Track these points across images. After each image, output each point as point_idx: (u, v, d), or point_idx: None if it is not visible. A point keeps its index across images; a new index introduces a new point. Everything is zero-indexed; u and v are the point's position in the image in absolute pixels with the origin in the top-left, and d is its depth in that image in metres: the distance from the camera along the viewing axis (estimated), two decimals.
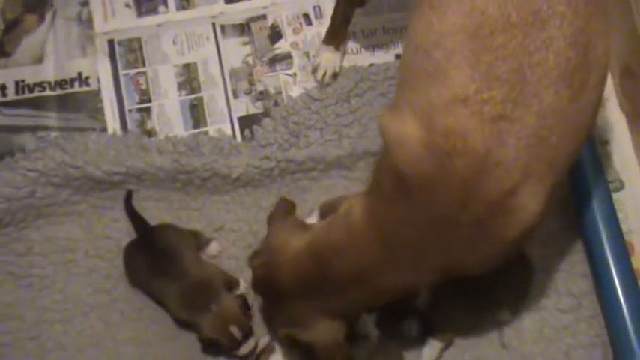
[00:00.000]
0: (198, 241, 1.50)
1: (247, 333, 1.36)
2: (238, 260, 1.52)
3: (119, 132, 1.64)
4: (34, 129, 1.62)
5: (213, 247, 1.52)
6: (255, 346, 1.38)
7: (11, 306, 1.48)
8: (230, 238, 1.56)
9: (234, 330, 1.34)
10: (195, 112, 1.68)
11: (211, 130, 1.67)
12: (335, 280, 1.15)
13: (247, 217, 1.57)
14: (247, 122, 1.67)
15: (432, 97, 0.99)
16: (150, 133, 1.65)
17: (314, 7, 1.77)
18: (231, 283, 1.44)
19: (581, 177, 1.48)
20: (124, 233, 1.54)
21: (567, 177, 1.47)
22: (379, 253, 1.09)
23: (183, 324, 1.45)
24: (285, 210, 1.34)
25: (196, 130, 1.66)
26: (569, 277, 1.50)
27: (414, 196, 1.02)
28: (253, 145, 1.62)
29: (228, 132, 1.66)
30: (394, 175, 1.04)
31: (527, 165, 0.98)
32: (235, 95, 1.70)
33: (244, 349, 1.37)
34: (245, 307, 1.40)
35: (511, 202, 0.99)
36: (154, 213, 1.55)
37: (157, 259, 1.41)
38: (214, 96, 1.70)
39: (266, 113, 1.68)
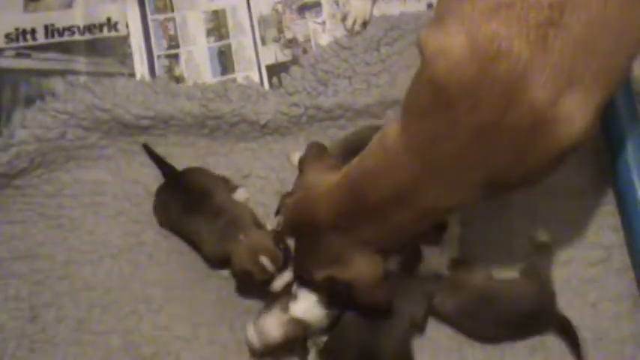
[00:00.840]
0: (226, 187, 1.51)
1: (280, 266, 1.35)
2: (265, 207, 1.53)
3: (147, 78, 1.64)
4: (63, 73, 1.62)
5: (240, 194, 1.52)
6: (291, 283, 1.36)
7: (42, 246, 1.51)
8: (257, 186, 1.56)
9: (265, 261, 1.33)
10: (224, 59, 1.67)
11: (239, 77, 1.66)
12: (374, 208, 1.12)
13: (275, 165, 1.57)
14: (275, 70, 1.66)
15: (478, 2, 0.98)
16: (178, 79, 1.65)
17: None
18: (259, 225, 1.44)
19: (615, 125, 1.44)
20: (152, 178, 1.55)
21: (601, 126, 1.46)
22: (418, 173, 1.07)
23: (215, 263, 1.46)
24: (317, 152, 1.33)
25: (224, 77, 1.65)
26: (600, 230, 1.49)
27: (454, 106, 1.00)
28: (281, 93, 1.61)
29: (256, 79, 1.65)
30: (432, 88, 1.02)
31: (573, 72, 0.96)
32: (264, 42, 1.68)
33: (279, 283, 1.35)
34: (278, 241, 1.38)
35: (556, 111, 0.97)
36: (182, 159, 1.55)
37: (189, 197, 1.42)
38: (243, 43, 1.68)
39: (294, 61, 1.66)
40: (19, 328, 1.44)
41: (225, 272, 1.45)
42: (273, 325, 1.33)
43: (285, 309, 1.33)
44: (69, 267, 1.49)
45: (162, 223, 1.51)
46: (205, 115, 1.54)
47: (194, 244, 1.47)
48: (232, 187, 1.52)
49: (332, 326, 1.38)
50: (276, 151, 1.58)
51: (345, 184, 1.16)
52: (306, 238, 1.23)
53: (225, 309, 1.46)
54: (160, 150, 1.56)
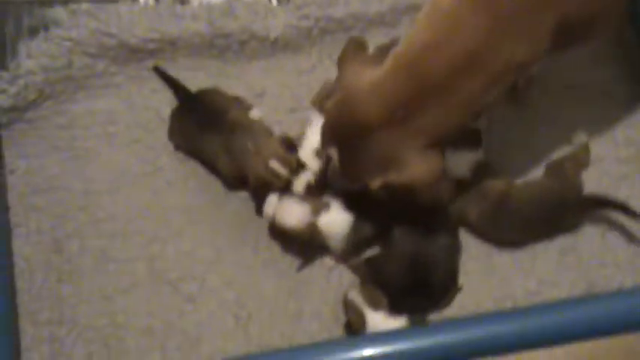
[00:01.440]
0: (241, 106, 1.47)
1: (294, 168, 1.32)
2: (281, 125, 1.49)
3: (151, 1, 1.59)
4: (65, 1, 1.57)
5: (254, 113, 1.48)
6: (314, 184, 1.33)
7: (58, 178, 1.49)
8: (272, 104, 1.52)
9: (275, 165, 1.30)
10: None
11: None
12: (439, 84, 1.03)
13: (289, 82, 1.53)
14: None
15: None
16: (182, 1, 1.59)
17: None
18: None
19: None
20: (165, 104, 1.52)
21: (629, 16, 1.38)
22: (490, 28, 0.99)
23: (233, 183, 1.44)
24: (357, 47, 1.25)
25: None
26: (629, 126, 1.43)
27: None
28: (290, 7, 1.55)
29: None
30: None
31: None
32: None
33: (298, 186, 1.33)
34: (288, 144, 1.35)
35: None
36: (194, 82, 1.51)
37: (204, 116, 1.40)
38: None
39: None
40: (45, 260, 1.44)
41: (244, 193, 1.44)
42: (293, 215, 1.32)
43: (316, 211, 1.31)
44: (88, 197, 1.48)
45: (179, 147, 1.48)
46: (213, 33, 1.49)
47: (212, 166, 1.45)
48: (247, 107, 1.48)
49: (357, 247, 1.37)
50: (289, 67, 1.54)
51: (398, 68, 1.06)
52: (353, 144, 1.12)
53: (247, 231, 1.45)
54: (170, 74, 1.52)
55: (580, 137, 1.42)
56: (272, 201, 1.35)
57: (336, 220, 1.34)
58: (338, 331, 1.37)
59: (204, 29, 1.49)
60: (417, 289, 1.31)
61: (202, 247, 1.45)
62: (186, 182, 1.49)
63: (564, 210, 1.35)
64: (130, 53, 1.50)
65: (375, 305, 1.29)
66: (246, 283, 1.43)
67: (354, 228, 1.35)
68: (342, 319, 1.37)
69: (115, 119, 1.52)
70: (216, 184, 1.47)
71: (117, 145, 1.51)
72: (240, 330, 1.40)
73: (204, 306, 1.41)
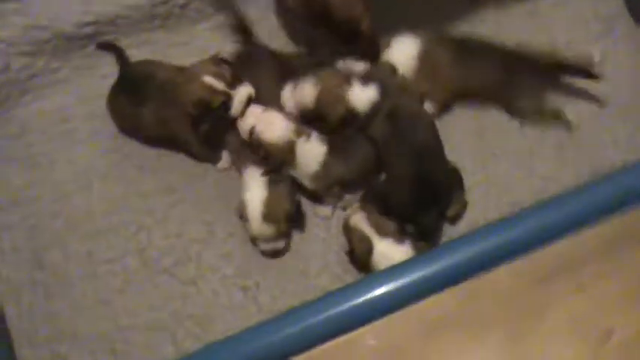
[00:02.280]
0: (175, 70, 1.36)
1: (229, 81, 1.26)
2: None
3: None
4: None
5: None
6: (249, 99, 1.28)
7: (23, 190, 1.40)
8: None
9: (210, 79, 1.24)
10: None
11: None
12: None
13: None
14: None
15: None
16: None
17: None
18: None
19: None
20: None
21: None
22: None
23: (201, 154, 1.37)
24: None
25: None
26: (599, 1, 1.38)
27: None
28: None
29: None
30: None
31: None
32: None
33: (238, 100, 1.27)
34: (221, 61, 1.30)
35: None
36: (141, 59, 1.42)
37: (135, 88, 1.33)
38: None
39: None
40: (28, 278, 1.35)
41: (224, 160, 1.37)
42: (276, 127, 1.26)
43: (298, 133, 1.27)
44: (59, 203, 1.39)
45: (123, 128, 1.40)
46: (151, 2, 1.40)
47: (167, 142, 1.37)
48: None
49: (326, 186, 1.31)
50: None
51: None
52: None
53: (232, 199, 1.36)
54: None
55: None
56: (255, 111, 1.28)
57: (312, 149, 1.28)
58: (349, 279, 1.31)
59: (141, 0, 1.40)
60: (425, 199, 1.25)
61: (191, 226, 1.37)
62: (159, 163, 1.41)
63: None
64: (68, 43, 1.41)
65: (383, 233, 1.23)
66: (244, 254, 1.35)
67: (325, 165, 1.28)
68: (351, 269, 1.31)
69: (69, 115, 1.44)
70: (187, 162, 1.39)
71: (77, 141, 1.42)
72: (250, 301, 1.33)
73: (207, 285, 1.34)
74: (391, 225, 1.24)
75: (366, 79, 1.26)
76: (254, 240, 1.32)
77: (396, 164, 1.26)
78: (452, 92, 1.36)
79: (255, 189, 1.27)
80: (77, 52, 1.43)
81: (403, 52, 1.33)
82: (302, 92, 1.26)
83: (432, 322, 0.99)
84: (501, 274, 1.02)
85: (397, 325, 0.99)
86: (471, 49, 1.34)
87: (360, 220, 1.24)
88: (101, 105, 1.41)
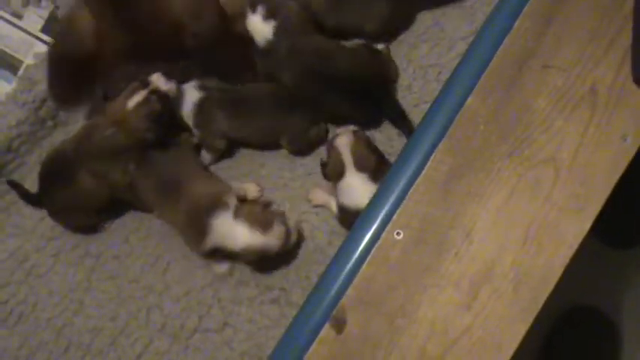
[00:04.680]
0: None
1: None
2: None
3: None
4: None
5: None
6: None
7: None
8: None
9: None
10: None
11: None
12: None
13: None
14: None
15: None
16: None
17: None
18: None
19: None
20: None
21: None
22: None
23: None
24: None
25: None
26: None
27: None
28: None
29: None
30: None
31: None
32: None
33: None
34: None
35: None
36: None
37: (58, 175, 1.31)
38: None
39: None
40: None
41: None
42: None
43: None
44: (58, 335, 1.32)
45: (52, 213, 1.36)
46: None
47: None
48: None
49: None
50: None
51: None
52: None
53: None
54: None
55: None
56: None
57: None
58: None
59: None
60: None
61: (193, 278, 1.33)
62: (127, 245, 1.36)
63: None
64: None
65: (360, 166, 1.21)
66: (253, 272, 1.32)
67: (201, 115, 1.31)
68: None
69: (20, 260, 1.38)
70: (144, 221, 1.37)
71: (41, 276, 1.36)
72: (286, 307, 1.29)
73: (240, 318, 1.30)
74: (372, 161, 1.22)
75: (269, 13, 1.27)
76: None
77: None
78: None
79: None
80: None
81: None
82: None
83: None
84: None
85: None
86: None
87: (344, 144, 1.22)
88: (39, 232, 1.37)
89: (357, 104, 1.28)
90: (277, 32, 1.27)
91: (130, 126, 1.24)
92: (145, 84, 1.25)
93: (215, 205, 1.21)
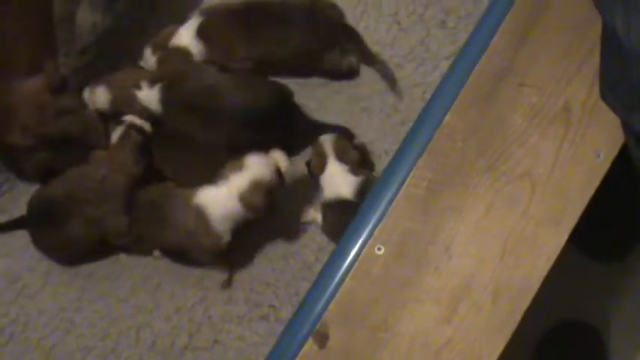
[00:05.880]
0: None
1: None
2: None
3: None
4: None
5: None
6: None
7: None
8: None
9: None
10: None
11: None
12: None
13: None
14: None
15: None
16: None
17: None
18: None
19: None
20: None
21: None
22: None
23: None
24: None
25: None
26: None
27: None
28: None
29: None
30: None
31: None
32: None
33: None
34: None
35: None
36: None
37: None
38: None
39: None
40: None
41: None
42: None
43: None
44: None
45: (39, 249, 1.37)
46: None
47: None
48: None
49: None
50: None
51: None
52: None
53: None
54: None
55: None
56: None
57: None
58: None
59: None
60: None
61: (182, 296, 1.34)
62: (115, 264, 1.38)
63: None
64: None
65: (342, 158, 1.29)
66: (243, 288, 1.34)
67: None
68: None
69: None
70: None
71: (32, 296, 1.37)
72: (275, 324, 1.31)
73: (230, 335, 1.31)
74: (354, 156, 1.29)
75: (153, 79, 1.33)
76: None
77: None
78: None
79: None
80: None
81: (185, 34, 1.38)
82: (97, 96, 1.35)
83: None
84: None
85: None
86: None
87: (326, 140, 1.30)
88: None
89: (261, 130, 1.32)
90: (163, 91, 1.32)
91: (118, 161, 1.29)
92: (120, 122, 1.32)
93: None
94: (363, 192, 1.23)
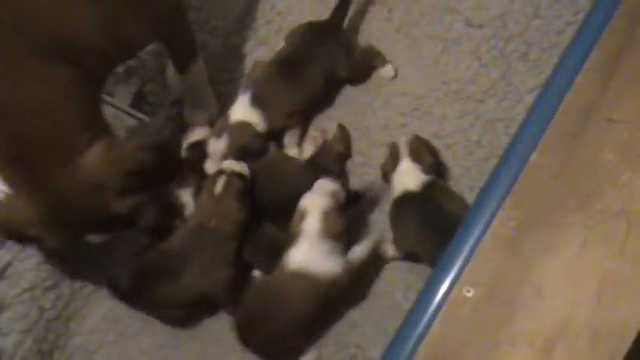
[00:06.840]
0: None
1: None
2: None
3: None
4: None
5: None
6: None
7: None
8: None
9: None
10: None
11: None
12: None
13: None
14: None
15: None
16: None
17: None
18: None
19: None
20: None
21: None
22: None
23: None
24: None
25: None
26: None
27: None
28: None
29: None
30: None
31: None
32: None
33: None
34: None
35: None
36: None
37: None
38: None
39: None
40: None
41: None
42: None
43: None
44: None
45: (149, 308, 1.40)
46: None
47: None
48: None
49: None
50: None
51: None
52: None
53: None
54: None
55: None
56: None
57: None
58: None
59: None
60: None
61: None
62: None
63: None
64: None
65: (416, 158, 1.32)
66: None
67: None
68: None
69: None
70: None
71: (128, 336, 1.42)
72: None
73: None
74: (428, 159, 1.33)
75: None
76: None
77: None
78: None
79: None
80: None
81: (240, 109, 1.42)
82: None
83: None
84: None
85: None
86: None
87: (404, 140, 1.35)
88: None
89: None
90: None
91: (224, 211, 1.30)
92: (221, 172, 1.33)
93: None
94: (430, 192, 1.27)
